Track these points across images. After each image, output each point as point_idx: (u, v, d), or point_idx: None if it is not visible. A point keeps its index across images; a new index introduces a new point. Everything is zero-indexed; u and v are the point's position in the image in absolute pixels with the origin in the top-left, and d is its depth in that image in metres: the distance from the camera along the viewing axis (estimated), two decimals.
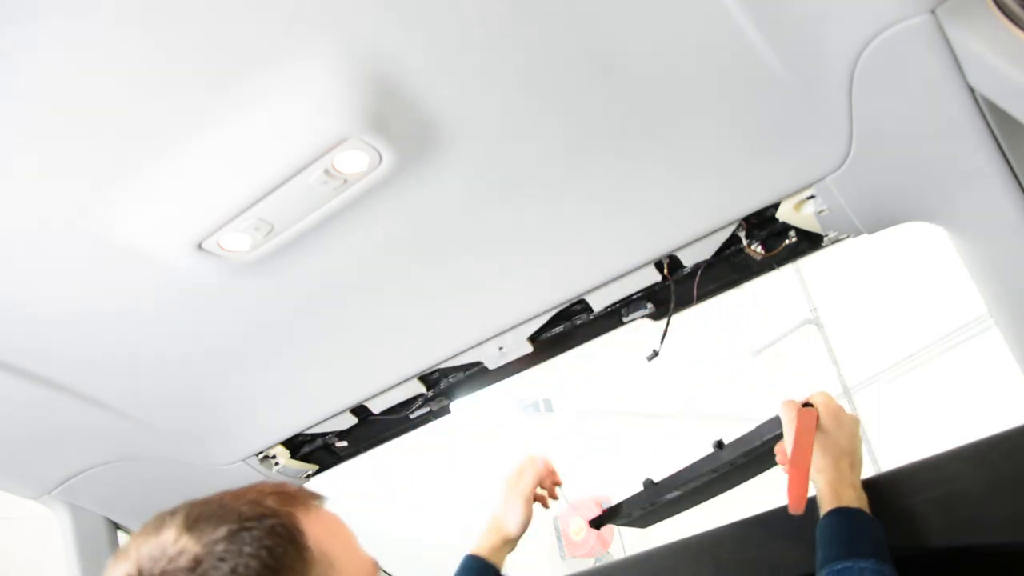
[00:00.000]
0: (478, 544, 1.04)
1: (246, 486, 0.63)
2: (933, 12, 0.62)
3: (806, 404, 0.93)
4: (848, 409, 0.92)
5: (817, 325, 5.61)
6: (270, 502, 0.60)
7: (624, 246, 0.97)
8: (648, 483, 1.08)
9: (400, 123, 0.72)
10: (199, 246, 0.78)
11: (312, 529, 0.60)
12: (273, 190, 0.74)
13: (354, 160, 0.73)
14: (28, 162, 0.67)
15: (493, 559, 1.03)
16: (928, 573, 0.98)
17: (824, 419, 0.89)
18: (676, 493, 1.06)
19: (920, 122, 0.74)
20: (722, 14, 0.68)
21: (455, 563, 1.06)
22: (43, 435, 1.04)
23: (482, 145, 0.79)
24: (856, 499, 0.82)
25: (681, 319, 1.08)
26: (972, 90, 0.67)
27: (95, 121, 0.65)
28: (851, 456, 0.88)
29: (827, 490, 0.84)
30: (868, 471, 0.90)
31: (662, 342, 1.04)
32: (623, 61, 0.73)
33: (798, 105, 0.79)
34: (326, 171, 0.73)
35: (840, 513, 0.80)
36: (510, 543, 1.06)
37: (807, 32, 0.69)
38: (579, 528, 4.49)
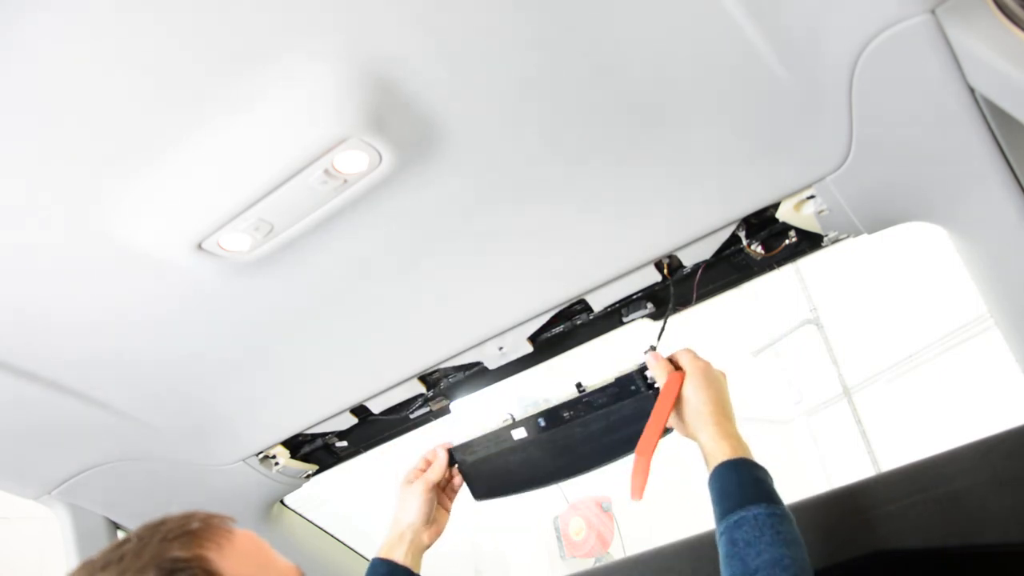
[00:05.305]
0: (380, 547, 1.01)
1: (145, 532, 0.60)
2: (933, 12, 0.62)
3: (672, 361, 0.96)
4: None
5: (817, 325, 5.60)
6: (176, 551, 0.58)
7: (624, 246, 0.97)
8: (511, 417, 1.09)
9: (400, 123, 0.72)
10: (199, 246, 0.78)
11: (226, 566, 0.59)
12: (273, 190, 0.74)
13: (354, 160, 0.73)
14: (27, 163, 0.67)
15: (402, 558, 1.00)
16: (928, 573, 0.98)
17: (689, 383, 0.91)
18: (526, 435, 1.06)
19: (920, 122, 0.74)
20: (722, 14, 0.68)
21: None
22: (43, 435, 1.04)
23: (482, 145, 0.79)
24: (734, 448, 0.84)
25: (681, 319, 1.08)
26: (972, 90, 0.67)
27: (95, 121, 0.65)
28: (723, 407, 0.90)
29: (708, 448, 0.87)
30: (868, 471, 0.90)
31: (659, 339, 1.04)
32: (623, 62, 0.73)
33: (798, 105, 0.79)
34: (326, 171, 0.73)
35: (724, 467, 0.83)
36: (415, 535, 1.03)
37: (807, 32, 0.69)
38: (579, 528, 4.48)
